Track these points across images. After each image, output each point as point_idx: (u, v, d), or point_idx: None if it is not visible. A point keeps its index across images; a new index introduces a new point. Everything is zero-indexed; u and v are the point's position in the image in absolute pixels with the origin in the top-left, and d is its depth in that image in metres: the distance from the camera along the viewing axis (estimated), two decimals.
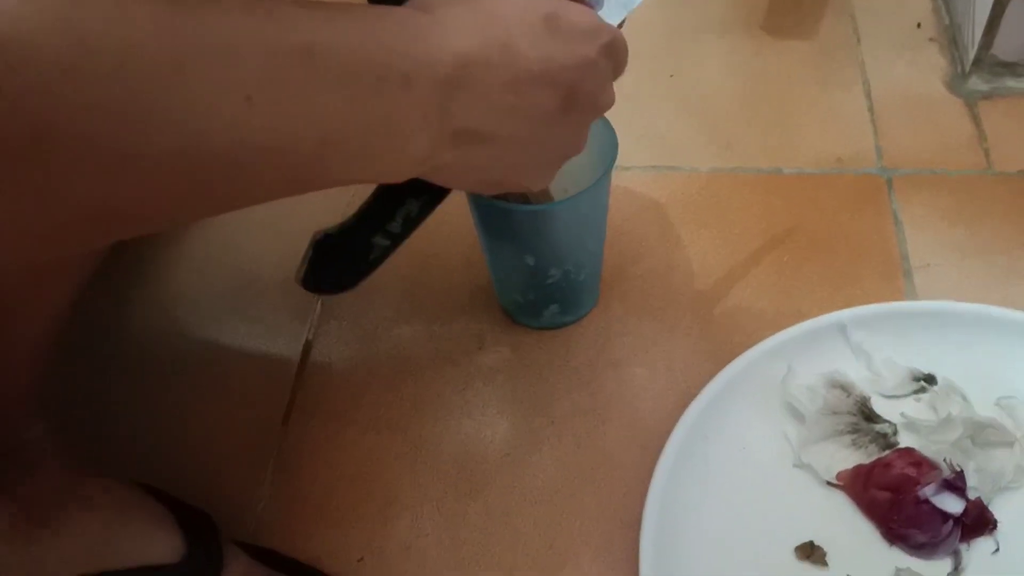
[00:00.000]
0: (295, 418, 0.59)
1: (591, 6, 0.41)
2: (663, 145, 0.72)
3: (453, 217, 0.56)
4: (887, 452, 0.51)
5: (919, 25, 0.80)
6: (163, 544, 0.45)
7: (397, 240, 0.44)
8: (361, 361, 0.61)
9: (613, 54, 0.40)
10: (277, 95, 0.28)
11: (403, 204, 0.43)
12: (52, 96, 0.23)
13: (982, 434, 0.51)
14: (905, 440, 0.52)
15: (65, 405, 0.58)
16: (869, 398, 0.54)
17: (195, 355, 0.63)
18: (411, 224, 0.44)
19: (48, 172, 0.24)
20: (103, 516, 0.45)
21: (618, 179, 0.69)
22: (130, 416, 0.60)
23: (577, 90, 0.38)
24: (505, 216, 0.51)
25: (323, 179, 0.33)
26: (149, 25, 0.25)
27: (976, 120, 0.72)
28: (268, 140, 0.29)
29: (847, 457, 0.51)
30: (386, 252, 0.44)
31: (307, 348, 0.62)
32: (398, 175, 0.36)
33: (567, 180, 0.53)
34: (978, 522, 0.48)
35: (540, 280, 0.56)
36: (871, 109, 0.74)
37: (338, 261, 0.44)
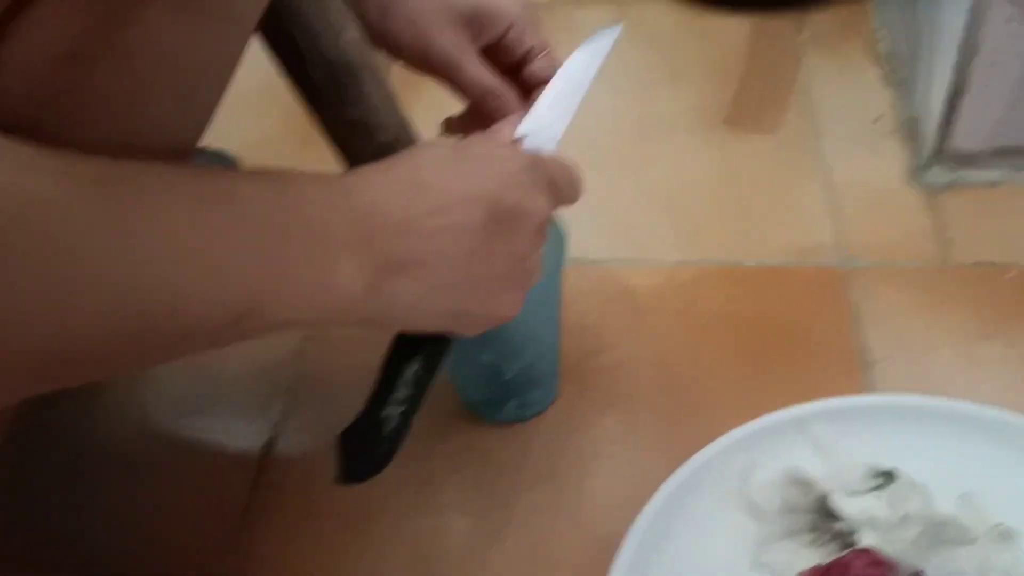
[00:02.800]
0: (255, 516, 0.58)
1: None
2: (627, 238, 0.73)
3: None
4: (847, 551, 0.51)
5: (878, 119, 0.82)
6: None
7: (410, 405, 0.43)
8: (323, 457, 0.61)
9: (539, 169, 0.42)
10: (205, 242, 0.30)
11: (401, 372, 0.43)
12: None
13: (942, 532, 0.51)
14: (866, 538, 0.51)
15: (23, 505, 0.58)
16: (829, 495, 0.53)
17: (156, 452, 0.62)
18: (419, 387, 0.43)
19: None
20: None
21: (582, 272, 0.69)
22: (90, 515, 0.59)
23: (500, 203, 0.39)
24: None
25: (265, 322, 0.33)
26: (89, 190, 0.27)
27: (935, 212, 0.73)
28: (200, 289, 0.30)
29: (807, 556, 0.51)
30: (404, 420, 0.43)
31: (270, 444, 0.62)
32: (343, 314, 0.36)
33: None
34: None
35: (498, 377, 0.56)
36: (831, 202, 0.75)
37: (362, 446, 0.43)
